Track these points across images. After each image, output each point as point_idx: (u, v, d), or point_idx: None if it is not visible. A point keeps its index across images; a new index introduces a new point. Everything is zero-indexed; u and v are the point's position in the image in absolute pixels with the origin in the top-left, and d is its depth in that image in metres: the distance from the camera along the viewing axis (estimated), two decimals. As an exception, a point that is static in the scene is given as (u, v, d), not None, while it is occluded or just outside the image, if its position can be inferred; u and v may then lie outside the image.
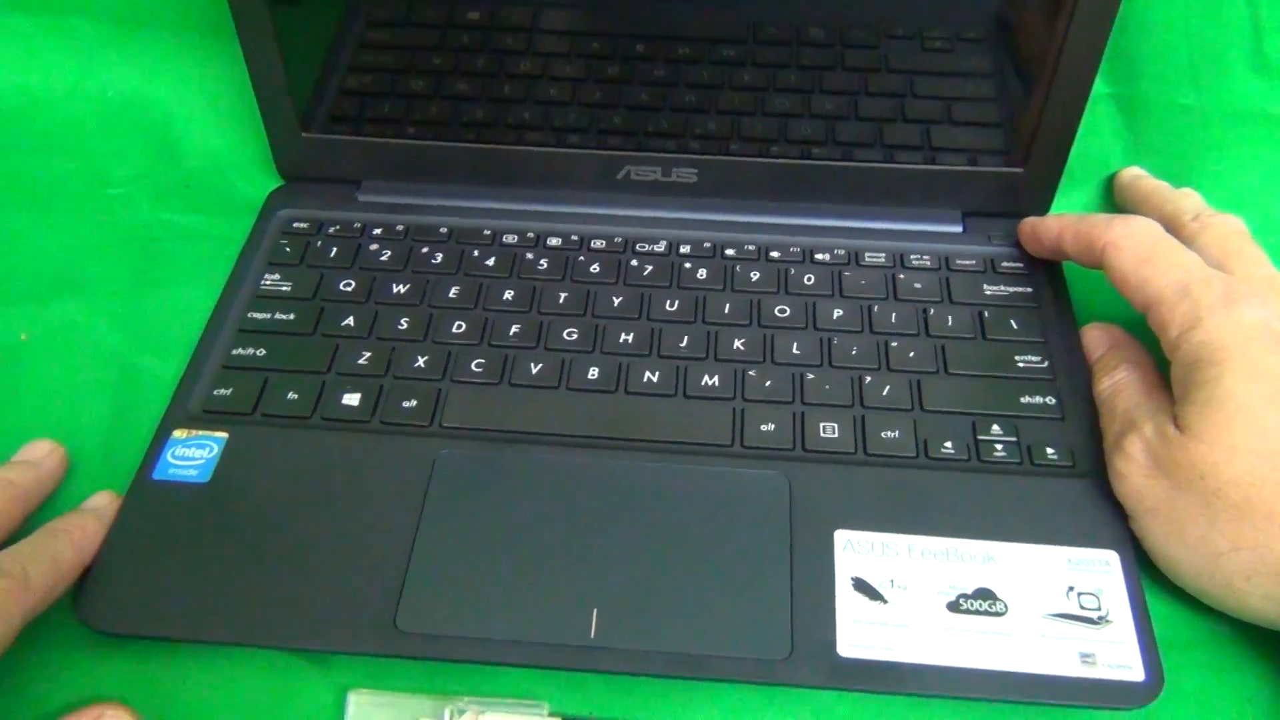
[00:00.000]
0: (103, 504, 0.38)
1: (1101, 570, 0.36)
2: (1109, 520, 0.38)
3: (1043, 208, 0.49)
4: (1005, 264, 0.47)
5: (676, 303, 0.45)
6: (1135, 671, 0.34)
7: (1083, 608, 0.35)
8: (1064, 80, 0.45)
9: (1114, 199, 0.50)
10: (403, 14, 0.48)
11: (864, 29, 0.46)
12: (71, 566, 0.35)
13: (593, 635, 0.35)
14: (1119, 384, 0.40)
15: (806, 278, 0.46)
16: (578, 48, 0.47)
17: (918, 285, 0.46)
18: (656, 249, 0.48)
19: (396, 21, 0.48)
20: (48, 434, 0.41)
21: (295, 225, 0.49)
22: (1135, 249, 0.39)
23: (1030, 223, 0.46)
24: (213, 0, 0.53)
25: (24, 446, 0.40)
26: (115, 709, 0.33)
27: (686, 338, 0.44)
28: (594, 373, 0.43)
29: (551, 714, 0.34)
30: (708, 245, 0.48)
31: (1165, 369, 0.38)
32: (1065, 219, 0.44)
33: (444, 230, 0.49)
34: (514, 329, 0.44)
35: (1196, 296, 0.37)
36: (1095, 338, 0.43)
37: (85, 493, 0.39)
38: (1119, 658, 0.34)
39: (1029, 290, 0.46)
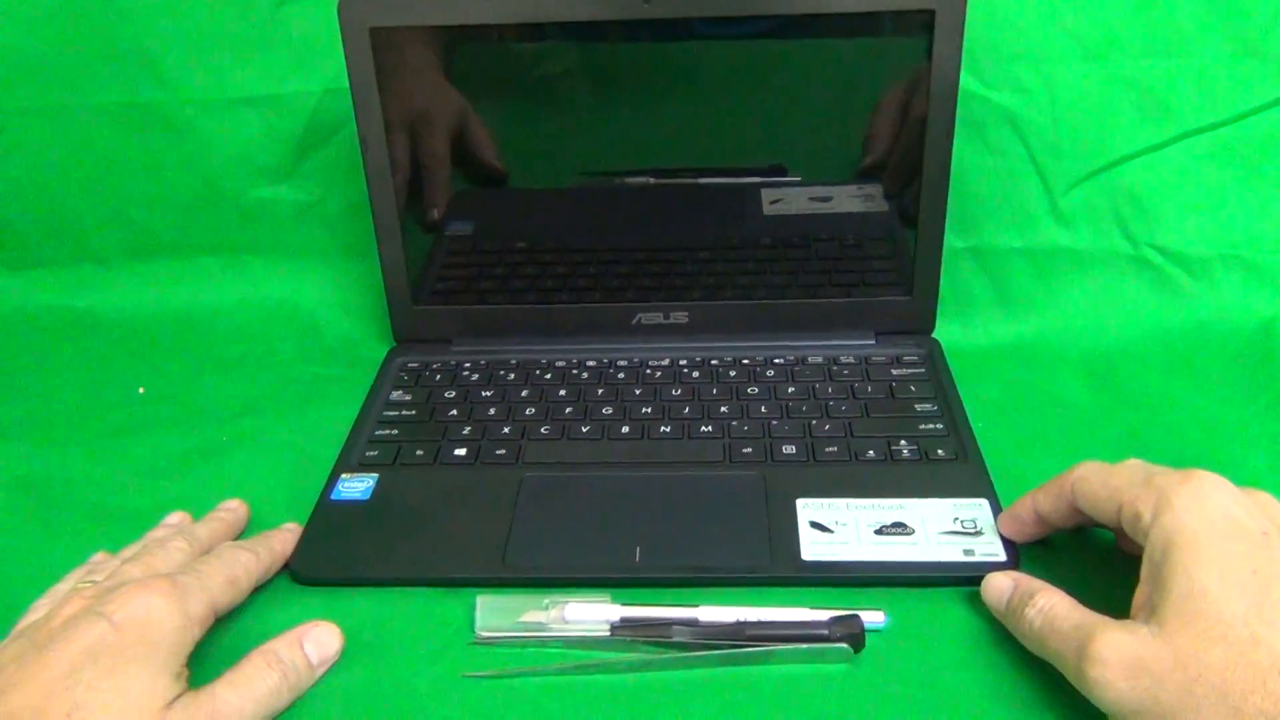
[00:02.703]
0: (292, 525, 0.55)
1: (976, 509, 0.54)
2: (981, 482, 0.56)
3: (930, 325, 0.70)
4: (906, 358, 0.68)
5: (679, 390, 0.65)
6: (1000, 555, 0.51)
7: (964, 527, 0.53)
8: (924, 237, 0.67)
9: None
10: (479, 232, 0.71)
11: (799, 233, 0.69)
12: (278, 555, 0.52)
13: (637, 560, 0.52)
14: (1046, 609, 0.43)
15: (769, 372, 0.67)
16: (599, 248, 0.70)
17: (846, 372, 0.66)
18: (663, 363, 0.68)
19: (474, 235, 0.71)
20: (247, 493, 0.58)
21: (409, 365, 0.70)
22: (1097, 472, 0.46)
23: (1004, 515, 0.52)
24: (334, 230, 0.78)
25: (221, 503, 0.57)
26: (323, 623, 0.48)
27: (688, 408, 0.64)
28: (625, 429, 0.62)
29: (612, 601, 0.50)
30: (698, 359, 0.68)
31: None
32: (1030, 495, 0.50)
33: (514, 361, 0.69)
34: (568, 409, 0.64)
35: (1160, 483, 0.42)
36: (999, 583, 0.48)
37: (283, 518, 0.56)
38: (990, 551, 0.51)
39: (923, 370, 0.66)
